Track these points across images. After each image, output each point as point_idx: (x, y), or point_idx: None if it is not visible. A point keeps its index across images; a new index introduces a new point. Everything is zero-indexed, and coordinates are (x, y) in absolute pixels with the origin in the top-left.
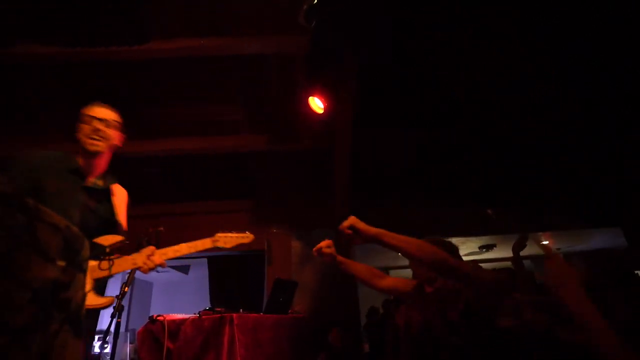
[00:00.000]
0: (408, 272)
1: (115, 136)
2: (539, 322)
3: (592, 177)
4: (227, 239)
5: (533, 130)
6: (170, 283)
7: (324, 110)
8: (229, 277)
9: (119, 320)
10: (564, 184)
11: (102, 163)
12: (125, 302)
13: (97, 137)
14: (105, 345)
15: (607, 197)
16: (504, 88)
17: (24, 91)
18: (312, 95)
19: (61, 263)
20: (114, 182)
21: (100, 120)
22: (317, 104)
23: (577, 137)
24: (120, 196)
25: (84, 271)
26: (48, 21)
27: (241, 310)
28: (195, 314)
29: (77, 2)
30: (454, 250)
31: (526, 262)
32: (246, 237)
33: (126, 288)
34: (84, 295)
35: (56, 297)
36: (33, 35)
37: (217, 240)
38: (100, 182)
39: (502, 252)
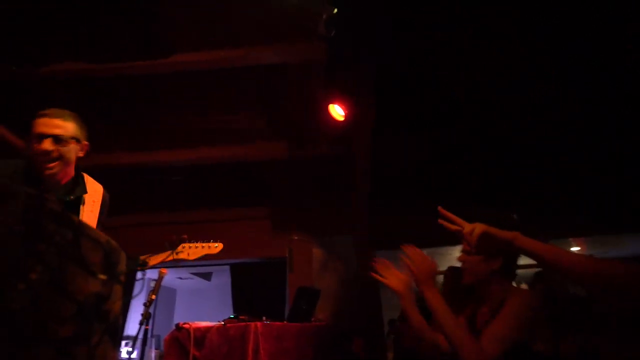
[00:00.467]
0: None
1: (73, 151)
2: None
3: (622, 181)
4: (192, 250)
5: (564, 135)
6: (193, 290)
7: (345, 118)
8: (250, 284)
9: (147, 327)
10: (592, 188)
11: (66, 174)
12: (151, 309)
13: (49, 160)
14: (131, 351)
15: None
16: (530, 91)
17: (48, 106)
18: (332, 102)
19: (102, 277)
20: (84, 191)
21: (51, 136)
22: (337, 111)
23: (604, 141)
24: (91, 202)
25: (121, 283)
26: (77, 38)
27: (264, 318)
28: (219, 322)
29: (101, 19)
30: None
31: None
32: (213, 247)
33: (153, 296)
34: (121, 306)
35: (97, 309)
36: (64, 53)
37: (180, 252)
38: (68, 194)
39: (525, 258)
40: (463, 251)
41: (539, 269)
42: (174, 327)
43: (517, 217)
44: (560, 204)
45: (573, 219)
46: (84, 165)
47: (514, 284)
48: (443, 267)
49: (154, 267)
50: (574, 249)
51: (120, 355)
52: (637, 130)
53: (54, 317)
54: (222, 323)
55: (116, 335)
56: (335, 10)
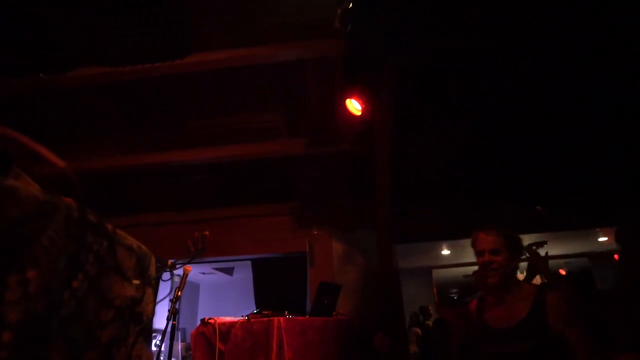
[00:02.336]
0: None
1: None
2: None
3: None
4: None
5: (584, 125)
6: (216, 284)
7: (362, 112)
8: (272, 279)
9: (174, 322)
10: (620, 179)
11: None
12: (176, 304)
13: None
14: (160, 344)
15: None
16: (549, 88)
17: (78, 110)
18: (350, 97)
19: (136, 281)
20: None
21: None
22: (354, 106)
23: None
24: None
25: (152, 286)
26: (98, 43)
27: (287, 313)
28: (243, 316)
29: (121, 21)
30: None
31: (583, 260)
32: None
33: (179, 292)
34: (153, 308)
35: (132, 312)
36: (85, 59)
37: None
38: None
39: (553, 249)
40: (489, 252)
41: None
42: (199, 322)
43: (541, 209)
44: (587, 195)
45: (600, 209)
46: (112, 167)
47: None
48: (465, 259)
49: (180, 265)
50: (602, 239)
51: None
52: None
53: (97, 322)
54: (246, 318)
55: (150, 335)
56: (351, 5)
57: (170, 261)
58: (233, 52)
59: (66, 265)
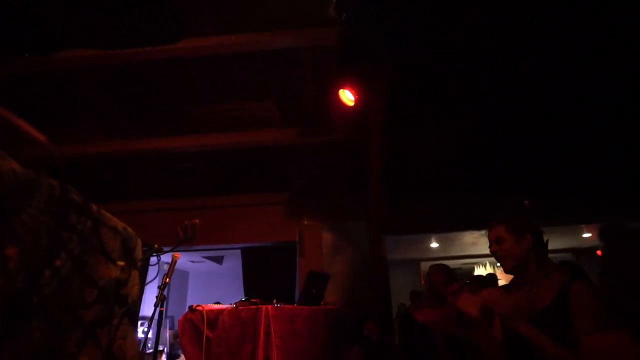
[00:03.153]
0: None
1: None
2: None
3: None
4: None
5: (575, 121)
6: (205, 273)
7: (355, 103)
8: (261, 268)
9: (161, 309)
10: (605, 178)
11: None
12: (164, 291)
13: None
14: (147, 331)
15: None
16: (546, 84)
17: (68, 94)
18: (343, 87)
19: (121, 263)
20: None
21: None
22: (347, 96)
23: (621, 129)
24: None
25: (138, 268)
26: (88, 25)
27: (275, 301)
28: (231, 304)
29: (112, 4)
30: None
31: (567, 256)
32: None
33: (167, 279)
34: (138, 290)
35: (117, 294)
36: (74, 40)
37: None
38: None
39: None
40: (494, 242)
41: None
42: (187, 309)
43: (529, 203)
44: (574, 192)
45: (585, 207)
46: (102, 152)
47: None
48: (454, 252)
49: (168, 251)
50: (586, 235)
51: (138, 337)
52: None
53: (80, 302)
54: (234, 306)
55: (135, 317)
56: None
57: (156, 245)
58: (226, 38)
59: (48, 244)
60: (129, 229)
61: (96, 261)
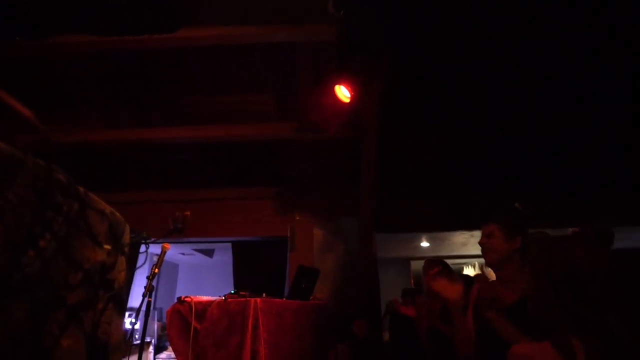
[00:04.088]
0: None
1: None
2: None
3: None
4: None
5: (565, 124)
6: (195, 266)
7: (351, 100)
8: (252, 262)
9: (149, 299)
10: (602, 179)
11: None
12: (154, 283)
13: None
14: (135, 322)
15: None
16: (542, 82)
17: (62, 81)
18: (340, 84)
19: (107, 246)
20: None
21: None
22: (343, 92)
23: (615, 133)
24: None
25: (125, 254)
26: (81, 9)
27: (264, 294)
28: (220, 296)
29: None
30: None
31: None
32: None
33: (156, 269)
34: (125, 276)
35: (103, 278)
36: (67, 25)
37: None
38: None
39: None
40: (485, 236)
41: None
42: (176, 301)
43: (519, 205)
44: (559, 195)
45: (570, 209)
46: (93, 140)
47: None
48: (444, 252)
49: (157, 241)
50: None
51: (124, 325)
52: None
53: (64, 284)
54: (223, 298)
55: (121, 303)
56: None
57: (145, 233)
58: (223, 29)
59: (32, 224)
60: (117, 214)
61: (82, 244)
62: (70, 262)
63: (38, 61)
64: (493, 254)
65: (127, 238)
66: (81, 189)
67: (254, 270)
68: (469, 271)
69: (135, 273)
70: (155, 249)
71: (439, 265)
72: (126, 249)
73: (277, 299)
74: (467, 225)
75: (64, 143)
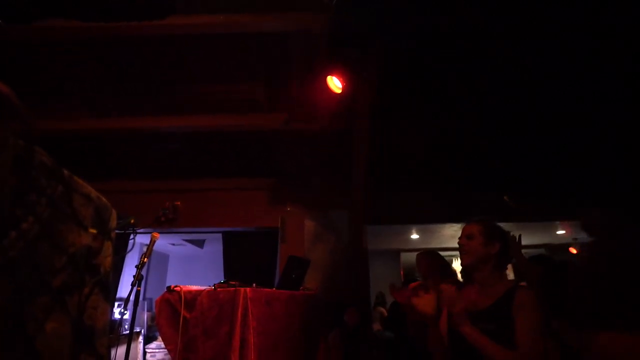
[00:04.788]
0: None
1: None
2: None
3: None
4: None
5: (558, 117)
6: (185, 256)
7: (343, 91)
8: (242, 253)
9: (138, 288)
10: (588, 173)
11: None
12: (143, 273)
13: None
14: (124, 312)
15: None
16: (531, 77)
17: (50, 68)
18: (332, 75)
19: (93, 231)
20: None
21: None
22: (335, 83)
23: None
24: None
25: (111, 239)
26: None
27: (254, 284)
28: (210, 286)
29: None
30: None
31: (540, 251)
32: None
33: (145, 259)
34: (112, 262)
35: (88, 263)
36: (54, 10)
37: None
38: None
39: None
40: (465, 237)
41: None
42: (165, 290)
43: (508, 199)
44: (550, 189)
45: (561, 204)
46: (82, 129)
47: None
48: (433, 244)
49: (147, 231)
50: (560, 232)
51: (112, 313)
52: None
53: (48, 267)
54: (213, 287)
55: (107, 289)
56: None
57: (132, 219)
58: (215, 17)
59: (14, 205)
60: (103, 199)
61: (66, 227)
62: (55, 245)
63: (23, 47)
64: (470, 256)
65: (113, 223)
66: (66, 172)
67: (244, 261)
68: (458, 264)
69: (125, 264)
70: (145, 239)
71: (439, 263)
72: (113, 234)
73: (267, 289)
74: (457, 218)
75: (51, 131)
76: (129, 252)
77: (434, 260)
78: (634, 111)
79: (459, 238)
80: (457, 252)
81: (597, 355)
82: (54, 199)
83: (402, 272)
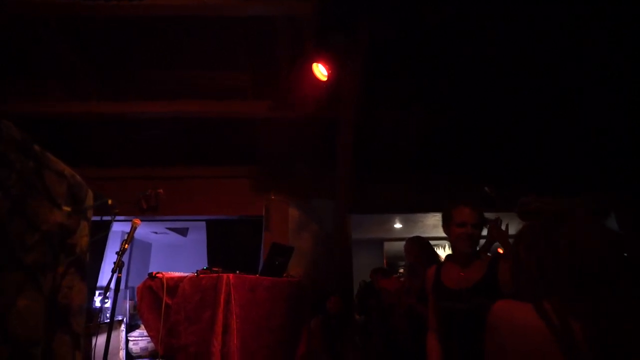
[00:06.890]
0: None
1: None
2: None
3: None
4: None
5: (540, 109)
6: (168, 245)
7: (328, 78)
8: (226, 241)
9: (119, 275)
10: (570, 163)
11: None
12: (125, 261)
13: None
14: (106, 300)
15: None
16: (516, 67)
17: (26, 48)
18: (317, 62)
19: (66, 208)
20: None
21: None
22: (320, 71)
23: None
24: None
25: (87, 219)
26: None
27: (237, 271)
28: (193, 272)
29: None
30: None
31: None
32: None
33: (126, 245)
34: (88, 242)
35: (63, 241)
36: None
37: None
38: None
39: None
40: (472, 226)
41: None
42: (147, 276)
43: (489, 190)
44: (533, 180)
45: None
46: (60, 113)
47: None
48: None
49: (127, 218)
50: None
51: (94, 304)
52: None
53: (20, 244)
54: (195, 273)
55: (84, 269)
56: None
57: (109, 199)
58: None
59: None
60: (78, 177)
61: (38, 203)
62: (26, 222)
63: None
64: (474, 244)
65: (90, 202)
66: (37, 148)
67: (228, 249)
68: (440, 252)
69: (106, 253)
70: (127, 227)
71: (426, 251)
72: (89, 214)
73: (250, 275)
74: (439, 208)
75: (27, 113)
76: (106, 234)
77: (424, 249)
78: (612, 102)
79: (463, 226)
80: (439, 242)
81: None
82: (25, 175)
83: (385, 261)
